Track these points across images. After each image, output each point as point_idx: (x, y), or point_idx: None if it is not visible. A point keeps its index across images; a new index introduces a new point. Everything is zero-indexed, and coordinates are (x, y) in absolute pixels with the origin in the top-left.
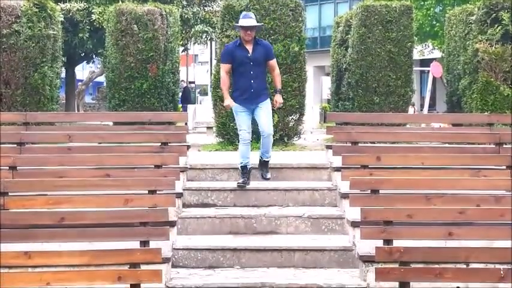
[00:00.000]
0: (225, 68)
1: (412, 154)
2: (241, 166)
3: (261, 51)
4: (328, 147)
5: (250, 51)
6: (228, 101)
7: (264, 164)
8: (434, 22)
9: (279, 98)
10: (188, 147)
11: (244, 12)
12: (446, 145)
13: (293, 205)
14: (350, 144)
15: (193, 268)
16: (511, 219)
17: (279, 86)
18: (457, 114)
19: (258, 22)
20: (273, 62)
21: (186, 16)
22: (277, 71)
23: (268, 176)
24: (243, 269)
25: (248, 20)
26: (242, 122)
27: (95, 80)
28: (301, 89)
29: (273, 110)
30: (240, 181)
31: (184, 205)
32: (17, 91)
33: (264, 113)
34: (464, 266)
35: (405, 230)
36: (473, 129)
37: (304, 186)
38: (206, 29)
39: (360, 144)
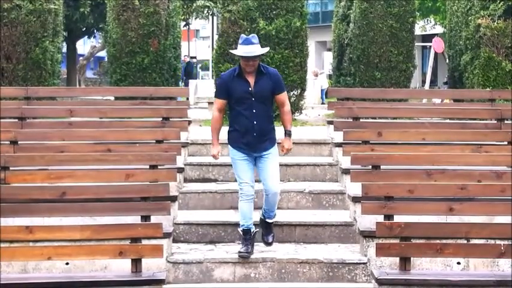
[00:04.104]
0: (218, 104)
1: (413, 130)
2: (242, 230)
3: (267, 83)
4: (330, 122)
5: (252, 83)
6: (215, 151)
7: (266, 226)
8: None
9: (287, 143)
10: (189, 122)
11: (244, 36)
12: (448, 121)
13: (294, 180)
14: (351, 120)
15: (194, 243)
16: None
17: (289, 126)
18: (458, 89)
19: (262, 46)
20: (283, 96)
21: None
22: (287, 107)
23: (270, 240)
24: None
25: (250, 47)
26: (242, 172)
27: (96, 54)
28: (303, 65)
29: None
30: (242, 249)
31: (186, 180)
32: (18, 66)
33: (270, 166)
34: (465, 242)
35: (406, 205)
36: (474, 104)
37: (305, 162)
38: (207, 4)
39: (361, 120)
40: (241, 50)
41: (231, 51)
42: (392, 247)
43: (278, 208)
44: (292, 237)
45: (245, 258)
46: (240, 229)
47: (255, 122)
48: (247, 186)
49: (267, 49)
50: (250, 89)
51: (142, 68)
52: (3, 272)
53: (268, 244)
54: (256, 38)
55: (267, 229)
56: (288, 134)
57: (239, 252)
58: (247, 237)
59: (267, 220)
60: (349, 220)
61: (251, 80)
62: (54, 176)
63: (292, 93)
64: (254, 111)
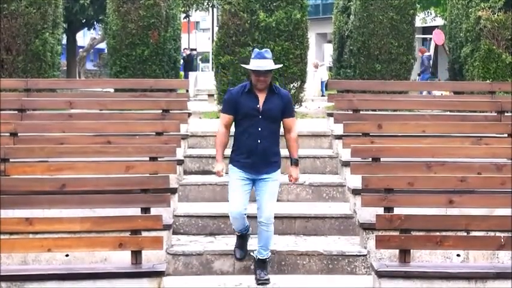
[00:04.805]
0: (224, 120)
1: (414, 122)
2: (237, 235)
3: (277, 103)
4: (330, 115)
5: (261, 101)
6: (219, 167)
7: (260, 263)
8: None
9: (295, 173)
10: (189, 114)
11: (257, 50)
12: (448, 113)
13: None
14: (351, 112)
15: (194, 235)
16: None
17: (295, 154)
18: (458, 82)
19: (275, 63)
20: (291, 121)
21: None
22: (294, 134)
23: (266, 277)
24: None
25: (262, 61)
26: (236, 196)
27: (96, 46)
28: (303, 57)
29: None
30: (238, 255)
31: (185, 172)
32: (18, 57)
33: (268, 192)
34: (465, 234)
35: (406, 197)
36: (474, 97)
37: (305, 154)
38: None
39: (361, 112)
40: (253, 64)
41: (243, 65)
42: (392, 239)
43: (278, 200)
44: (292, 229)
45: (241, 261)
46: (234, 230)
47: (259, 141)
48: (236, 213)
49: (280, 65)
50: (258, 105)
51: (142, 59)
52: (3, 263)
53: (264, 281)
54: (269, 52)
55: (262, 267)
56: (294, 162)
57: (236, 257)
58: (243, 238)
59: (260, 258)
60: (349, 212)
61: (261, 97)
62: (54, 167)
63: (292, 85)
64: (260, 129)
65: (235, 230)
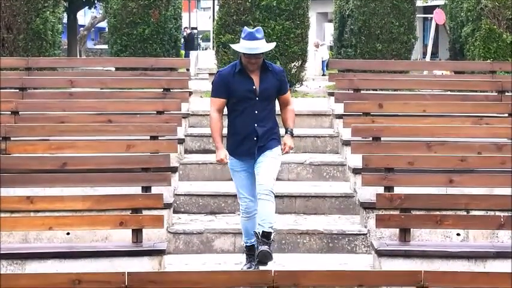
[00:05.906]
0: (216, 104)
1: (414, 101)
2: (246, 246)
3: (272, 81)
4: (330, 94)
5: (257, 81)
6: (222, 154)
7: (263, 238)
8: None
9: (289, 141)
10: (190, 93)
11: (247, 29)
12: (449, 92)
13: (294, 152)
14: (352, 92)
15: (194, 214)
16: None
17: (291, 124)
18: (459, 61)
19: (267, 41)
20: (288, 96)
21: None
22: (291, 106)
23: (265, 248)
24: None
25: (253, 42)
26: (242, 185)
27: (97, 25)
28: (304, 36)
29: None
30: (245, 267)
31: (186, 151)
32: (19, 36)
33: (267, 162)
34: (465, 213)
35: (406, 177)
36: (475, 76)
37: (306, 133)
38: None
39: (362, 92)
40: (244, 46)
41: (232, 46)
42: (392, 218)
43: (278, 179)
44: (293, 208)
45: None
46: (243, 244)
47: (256, 125)
48: (247, 202)
49: (273, 45)
50: (254, 87)
51: (143, 38)
52: (4, 242)
53: (266, 255)
54: (261, 32)
55: (264, 243)
56: (290, 132)
57: (242, 269)
58: (251, 253)
59: (263, 231)
60: (350, 191)
61: (255, 77)
62: (55, 146)
63: (293, 64)
64: (256, 112)
65: (243, 240)
